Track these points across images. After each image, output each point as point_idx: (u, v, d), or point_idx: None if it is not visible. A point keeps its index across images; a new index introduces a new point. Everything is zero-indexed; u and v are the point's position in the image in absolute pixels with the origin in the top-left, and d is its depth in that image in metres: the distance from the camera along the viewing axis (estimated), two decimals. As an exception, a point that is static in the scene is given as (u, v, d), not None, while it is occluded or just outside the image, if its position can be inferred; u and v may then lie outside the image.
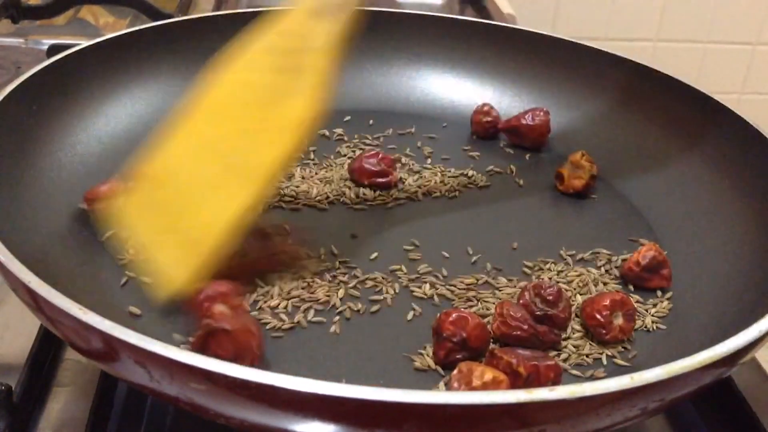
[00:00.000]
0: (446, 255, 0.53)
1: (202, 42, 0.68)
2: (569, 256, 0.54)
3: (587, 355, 0.46)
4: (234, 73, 0.51)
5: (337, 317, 0.47)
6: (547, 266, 0.53)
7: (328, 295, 0.49)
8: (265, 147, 0.48)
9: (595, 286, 0.51)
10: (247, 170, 0.48)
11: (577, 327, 0.48)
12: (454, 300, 0.49)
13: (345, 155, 0.64)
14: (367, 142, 0.67)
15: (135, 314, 0.46)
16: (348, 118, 0.70)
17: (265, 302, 0.48)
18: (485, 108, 0.68)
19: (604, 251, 0.55)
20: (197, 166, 0.49)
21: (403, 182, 0.61)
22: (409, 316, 0.48)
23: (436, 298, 0.49)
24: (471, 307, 0.49)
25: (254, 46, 0.51)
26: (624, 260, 0.53)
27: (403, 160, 0.64)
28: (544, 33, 0.72)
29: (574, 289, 0.51)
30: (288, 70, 0.50)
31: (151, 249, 0.48)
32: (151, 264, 0.48)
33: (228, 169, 0.48)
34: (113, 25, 0.96)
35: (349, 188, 0.59)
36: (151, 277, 0.47)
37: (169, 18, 0.73)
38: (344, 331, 0.46)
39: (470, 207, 0.59)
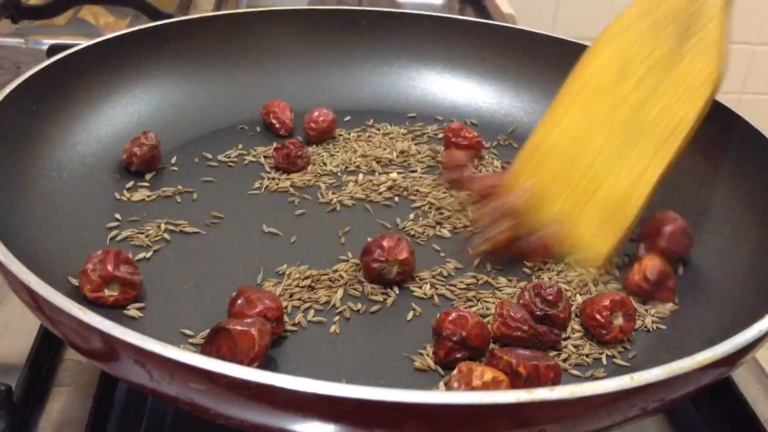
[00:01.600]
0: (443, 254, 0.53)
1: (202, 42, 0.69)
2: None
3: (587, 355, 0.46)
4: (614, 41, 0.52)
5: (337, 317, 0.47)
6: (547, 266, 0.53)
7: (328, 296, 0.49)
8: (669, 109, 0.49)
9: (595, 286, 0.51)
10: (654, 134, 0.49)
11: (577, 327, 0.48)
12: (454, 300, 0.49)
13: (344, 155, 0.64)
14: (368, 140, 0.67)
15: (134, 317, 0.46)
16: (348, 118, 0.70)
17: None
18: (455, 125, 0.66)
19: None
20: (596, 137, 0.51)
21: (401, 186, 0.61)
22: (409, 316, 0.48)
23: (436, 298, 0.49)
24: (471, 307, 0.49)
25: (632, 14, 0.52)
26: (623, 265, 0.53)
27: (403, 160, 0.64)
28: (544, 33, 0.72)
29: (574, 289, 0.51)
30: (680, 31, 0.50)
31: (569, 225, 0.50)
32: (572, 240, 0.50)
33: (632, 135, 0.49)
34: (113, 25, 0.96)
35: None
36: (576, 253, 0.50)
37: (169, 18, 0.73)
38: (344, 331, 0.46)
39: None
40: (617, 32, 0.52)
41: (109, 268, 0.45)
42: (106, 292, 0.45)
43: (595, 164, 0.51)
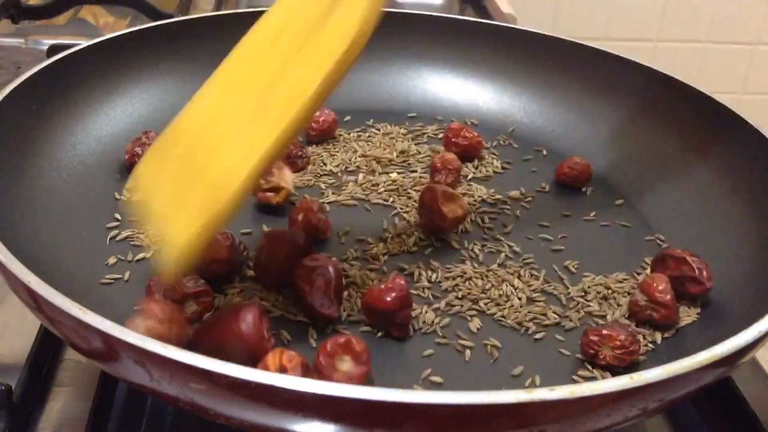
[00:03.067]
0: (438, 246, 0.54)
1: (202, 42, 0.68)
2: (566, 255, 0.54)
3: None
4: (274, 9, 0.44)
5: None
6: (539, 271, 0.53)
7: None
8: (300, 75, 0.41)
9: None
10: (278, 105, 0.41)
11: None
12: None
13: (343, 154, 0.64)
14: (369, 139, 0.67)
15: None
16: (348, 118, 0.70)
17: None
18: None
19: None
20: (224, 113, 0.43)
21: (401, 186, 0.61)
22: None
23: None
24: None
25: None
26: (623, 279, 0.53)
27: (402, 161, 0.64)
28: (544, 33, 0.72)
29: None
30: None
31: (158, 209, 0.42)
32: (155, 226, 0.41)
33: (260, 107, 0.41)
34: (113, 25, 0.96)
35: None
36: (161, 243, 0.41)
37: (169, 18, 0.73)
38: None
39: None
40: (281, 2, 0.45)
41: (178, 285, 0.45)
42: (188, 311, 0.45)
43: (217, 142, 0.42)
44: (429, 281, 0.51)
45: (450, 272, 0.52)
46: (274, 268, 0.48)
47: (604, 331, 0.45)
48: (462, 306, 0.49)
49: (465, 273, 0.52)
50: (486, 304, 0.49)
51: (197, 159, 0.42)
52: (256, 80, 0.43)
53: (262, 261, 0.49)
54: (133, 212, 0.48)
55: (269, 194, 0.56)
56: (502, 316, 0.48)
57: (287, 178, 0.56)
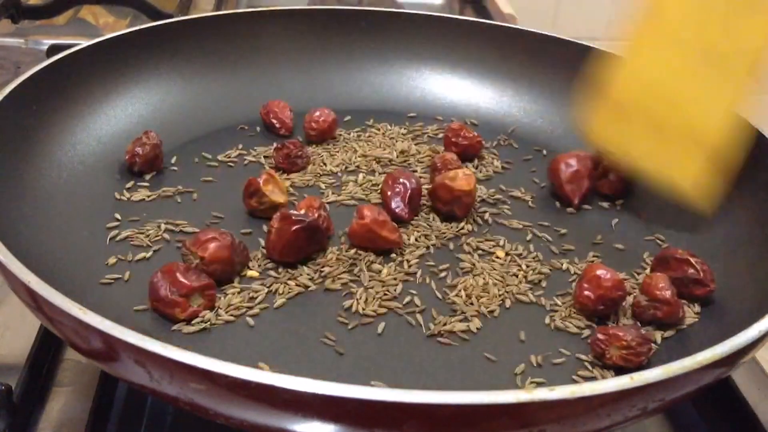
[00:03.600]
0: (435, 242, 0.54)
1: (202, 42, 0.69)
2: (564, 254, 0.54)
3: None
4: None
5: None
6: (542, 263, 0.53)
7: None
8: (745, 34, 0.49)
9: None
10: (731, 60, 0.49)
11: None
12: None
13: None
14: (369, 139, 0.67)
15: (140, 310, 0.46)
16: (348, 118, 0.70)
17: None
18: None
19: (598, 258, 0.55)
20: (672, 69, 0.51)
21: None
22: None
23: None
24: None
25: None
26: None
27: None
28: (544, 33, 0.72)
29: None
30: None
31: (651, 159, 0.51)
32: (656, 175, 0.51)
33: (710, 63, 0.50)
34: (113, 25, 0.96)
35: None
36: (665, 186, 0.51)
37: (169, 18, 0.73)
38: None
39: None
40: None
41: (185, 281, 0.46)
42: (194, 305, 0.46)
43: (677, 103, 0.51)
44: (429, 280, 0.51)
45: (450, 272, 0.52)
46: (286, 246, 0.50)
47: (611, 331, 0.45)
48: (462, 305, 0.49)
49: (465, 272, 0.52)
50: (486, 303, 0.49)
51: (664, 118, 0.52)
52: (692, 44, 0.51)
53: (272, 239, 0.50)
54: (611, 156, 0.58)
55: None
56: (503, 316, 0.48)
57: (280, 189, 0.56)
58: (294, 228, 0.50)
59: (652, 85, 0.53)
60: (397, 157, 0.65)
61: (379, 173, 0.62)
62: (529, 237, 0.56)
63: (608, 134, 0.56)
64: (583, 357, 0.46)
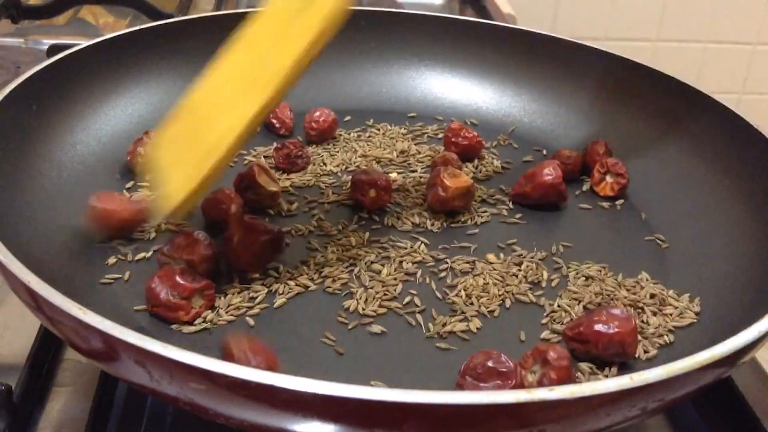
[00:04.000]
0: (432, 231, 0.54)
1: (202, 42, 0.68)
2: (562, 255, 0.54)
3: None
4: (256, 20, 0.52)
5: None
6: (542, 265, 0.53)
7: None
8: (277, 55, 0.49)
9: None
10: (257, 81, 0.49)
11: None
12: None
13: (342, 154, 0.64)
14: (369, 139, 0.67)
15: (140, 310, 0.46)
16: (348, 118, 0.70)
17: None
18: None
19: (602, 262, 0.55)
20: (218, 93, 0.51)
21: (401, 185, 0.61)
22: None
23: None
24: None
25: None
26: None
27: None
28: (544, 33, 0.72)
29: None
30: None
31: (164, 171, 0.50)
32: (160, 184, 0.49)
33: (244, 83, 0.50)
34: (113, 25, 0.96)
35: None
36: (158, 194, 0.49)
37: (169, 18, 0.73)
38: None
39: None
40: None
41: (185, 283, 0.46)
42: (195, 306, 0.46)
43: (206, 117, 0.50)
44: (429, 280, 0.51)
45: (450, 272, 0.52)
46: (246, 253, 0.49)
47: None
48: (462, 305, 0.49)
49: (465, 272, 0.52)
50: (486, 303, 0.49)
51: (196, 130, 0.50)
52: (245, 65, 0.51)
53: (237, 250, 0.49)
54: (143, 172, 0.55)
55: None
56: (503, 316, 0.48)
57: (272, 178, 0.57)
58: (262, 240, 0.50)
59: (205, 95, 0.51)
60: (397, 157, 0.65)
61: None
62: (529, 237, 0.56)
63: (160, 148, 0.52)
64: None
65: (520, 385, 0.40)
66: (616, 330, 0.44)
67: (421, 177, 0.62)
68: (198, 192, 0.48)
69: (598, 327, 0.44)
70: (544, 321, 0.48)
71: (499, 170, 0.64)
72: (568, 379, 0.41)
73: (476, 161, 0.65)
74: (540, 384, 0.41)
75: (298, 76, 0.49)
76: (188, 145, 0.50)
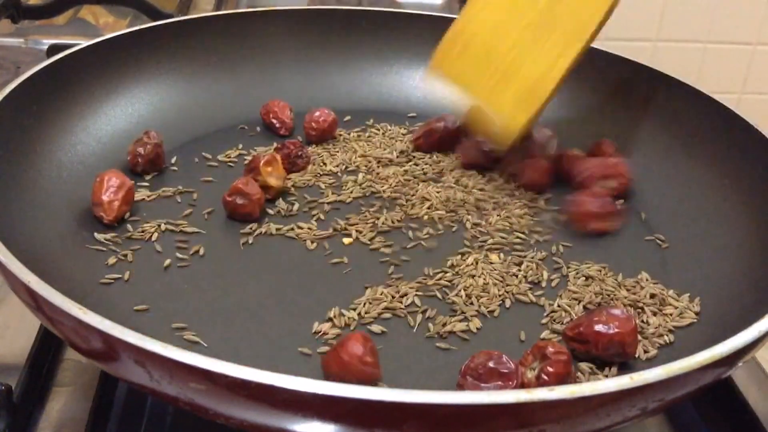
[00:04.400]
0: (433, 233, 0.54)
1: (202, 42, 0.69)
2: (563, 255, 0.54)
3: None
4: None
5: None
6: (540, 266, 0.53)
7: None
8: (579, 8, 0.55)
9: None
10: (566, 29, 0.55)
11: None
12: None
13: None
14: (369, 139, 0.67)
15: (140, 310, 0.46)
16: (348, 118, 0.70)
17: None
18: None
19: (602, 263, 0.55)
20: (513, 28, 0.57)
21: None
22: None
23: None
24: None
25: None
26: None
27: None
28: (544, 33, 0.72)
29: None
30: None
31: (488, 106, 0.57)
32: (485, 114, 0.56)
33: (546, 28, 0.56)
34: (113, 25, 0.96)
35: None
36: (488, 125, 0.57)
37: (169, 18, 0.73)
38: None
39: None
40: None
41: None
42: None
43: (512, 52, 0.57)
44: (428, 280, 0.51)
45: (449, 272, 0.52)
46: None
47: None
48: (462, 305, 0.49)
49: (464, 273, 0.52)
50: (486, 303, 0.49)
51: (500, 63, 0.57)
52: (530, 6, 0.57)
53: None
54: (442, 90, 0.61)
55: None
56: (503, 316, 0.48)
57: (278, 174, 0.57)
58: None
59: (495, 26, 0.58)
60: (397, 157, 0.65)
61: (378, 173, 0.62)
62: (529, 237, 0.56)
63: (449, 67, 0.60)
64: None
65: (521, 386, 0.40)
66: (616, 330, 0.44)
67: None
68: (527, 125, 0.57)
69: (598, 327, 0.44)
70: (544, 321, 0.48)
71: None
72: (566, 373, 0.41)
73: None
74: (538, 379, 0.41)
75: (600, 28, 0.56)
76: (498, 79, 0.57)
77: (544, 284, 0.51)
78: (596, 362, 0.45)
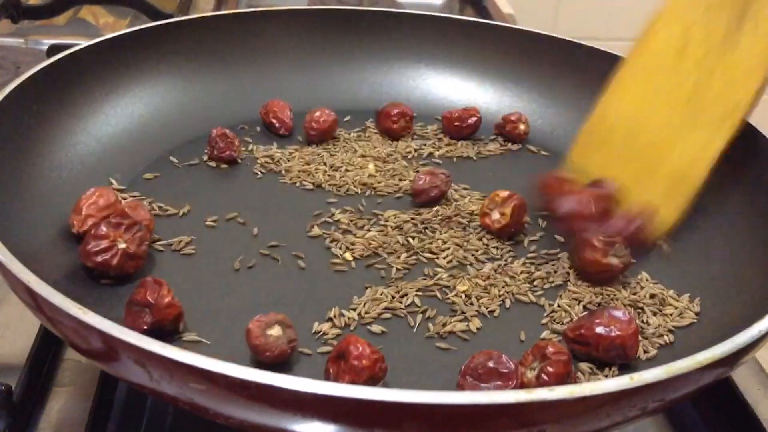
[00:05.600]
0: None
1: (202, 42, 0.69)
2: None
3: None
4: (672, 22, 0.56)
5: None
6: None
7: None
8: (727, 90, 0.53)
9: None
10: (715, 113, 0.53)
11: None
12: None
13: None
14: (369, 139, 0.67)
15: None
16: (348, 118, 0.70)
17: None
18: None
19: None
20: (657, 110, 0.55)
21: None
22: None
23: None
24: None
25: None
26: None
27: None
28: (544, 33, 0.72)
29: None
30: (736, 15, 0.54)
31: (635, 197, 0.53)
32: (634, 205, 0.53)
33: (693, 113, 0.53)
34: (113, 25, 0.96)
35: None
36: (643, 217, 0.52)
37: (169, 18, 0.73)
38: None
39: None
40: (675, 13, 0.57)
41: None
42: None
43: (658, 139, 0.55)
44: (428, 280, 0.51)
45: (449, 272, 0.52)
46: None
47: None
48: (462, 305, 0.49)
49: (463, 273, 0.52)
50: (486, 303, 0.49)
51: (645, 152, 0.55)
52: (675, 90, 0.55)
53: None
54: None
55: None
56: (503, 316, 0.48)
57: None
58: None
59: (636, 115, 0.56)
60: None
61: (377, 172, 0.62)
62: (528, 237, 0.56)
63: (590, 160, 0.58)
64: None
65: (521, 386, 0.40)
66: (618, 333, 0.44)
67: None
68: (680, 214, 0.54)
69: (599, 330, 0.44)
70: (544, 321, 0.48)
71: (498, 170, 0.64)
72: (565, 372, 0.41)
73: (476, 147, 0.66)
74: (538, 378, 0.41)
75: (753, 108, 0.53)
76: (643, 169, 0.55)
77: (544, 284, 0.51)
78: (596, 362, 0.45)
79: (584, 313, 0.48)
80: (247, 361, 0.43)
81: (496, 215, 0.54)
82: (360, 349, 0.40)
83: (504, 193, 0.54)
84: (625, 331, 0.44)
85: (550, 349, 0.42)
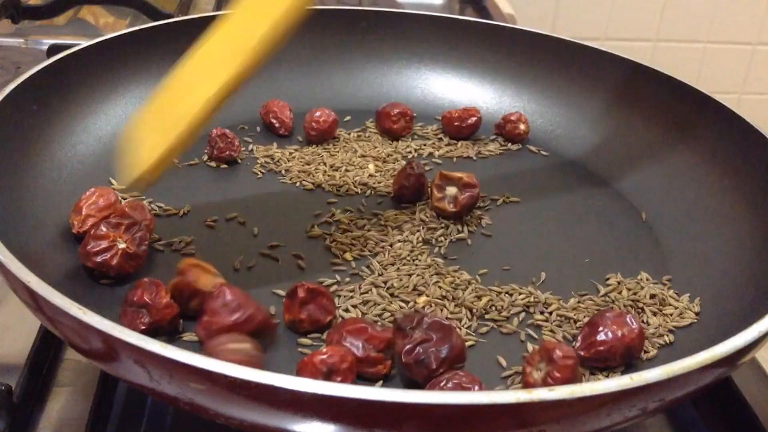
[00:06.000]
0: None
1: (202, 42, 0.68)
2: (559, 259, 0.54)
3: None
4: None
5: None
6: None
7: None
8: (243, 37, 0.51)
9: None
10: (226, 55, 0.50)
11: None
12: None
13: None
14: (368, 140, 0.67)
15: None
16: (348, 118, 0.70)
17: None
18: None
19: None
20: (191, 73, 0.51)
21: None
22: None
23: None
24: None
25: None
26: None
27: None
28: (544, 33, 0.72)
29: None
30: None
31: (136, 143, 0.49)
32: (127, 152, 0.48)
33: (212, 64, 0.50)
34: (113, 25, 0.96)
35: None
36: (123, 162, 0.48)
37: (169, 18, 0.73)
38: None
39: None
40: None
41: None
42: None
43: (179, 91, 0.51)
44: (429, 281, 0.51)
45: (448, 272, 0.52)
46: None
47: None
48: (461, 307, 0.49)
49: (462, 273, 0.52)
50: (484, 304, 0.49)
51: (168, 105, 0.50)
52: (217, 47, 0.51)
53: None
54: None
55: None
56: (499, 318, 0.48)
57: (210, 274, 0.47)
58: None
59: (174, 81, 0.51)
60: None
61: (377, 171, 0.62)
62: (529, 238, 0.56)
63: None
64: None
65: (526, 386, 0.40)
66: (626, 335, 0.44)
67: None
68: (163, 161, 0.47)
69: (607, 337, 0.44)
70: (544, 321, 0.48)
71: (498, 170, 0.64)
72: (572, 377, 0.41)
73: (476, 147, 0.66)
74: (544, 382, 0.41)
75: (264, 55, 0.51)
76: (159, 120, 0.50)
77: (542, 285, 0.51)
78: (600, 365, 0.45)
79: (584, 316, 0.48)
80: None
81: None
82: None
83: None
84: (631, 333, 0.44)
85: (558, 353, 0.41)
